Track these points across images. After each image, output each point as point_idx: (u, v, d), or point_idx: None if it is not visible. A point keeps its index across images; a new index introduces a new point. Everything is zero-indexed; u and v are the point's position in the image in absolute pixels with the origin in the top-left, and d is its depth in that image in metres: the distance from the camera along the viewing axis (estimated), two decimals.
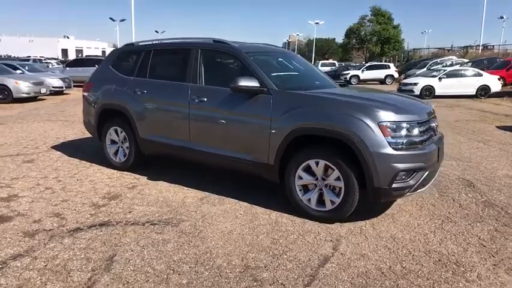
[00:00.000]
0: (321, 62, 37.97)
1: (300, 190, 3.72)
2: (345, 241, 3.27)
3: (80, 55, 62.91)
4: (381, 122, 3.31)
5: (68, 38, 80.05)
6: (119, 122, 5.10)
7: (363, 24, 50.40)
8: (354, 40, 51.54)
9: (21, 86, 12.53)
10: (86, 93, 5.58)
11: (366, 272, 2.80)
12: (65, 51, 71.27)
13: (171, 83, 4.58)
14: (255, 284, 2.62)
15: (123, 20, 56.55)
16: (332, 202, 3.56)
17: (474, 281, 2.71)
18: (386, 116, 3.33)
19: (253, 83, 3.80)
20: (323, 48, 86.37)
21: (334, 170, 3.49)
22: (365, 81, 29.02)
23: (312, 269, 2.82)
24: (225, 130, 4.12)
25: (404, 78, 23.41)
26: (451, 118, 10.91)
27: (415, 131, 3.44)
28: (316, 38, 66.08)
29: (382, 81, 28.31)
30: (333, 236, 3.36)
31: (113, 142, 5.28)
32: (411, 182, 3.39)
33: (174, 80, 4.58)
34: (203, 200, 4.15)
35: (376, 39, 48.02)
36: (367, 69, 29.08)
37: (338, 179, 3.49)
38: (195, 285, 2.59)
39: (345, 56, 57.64)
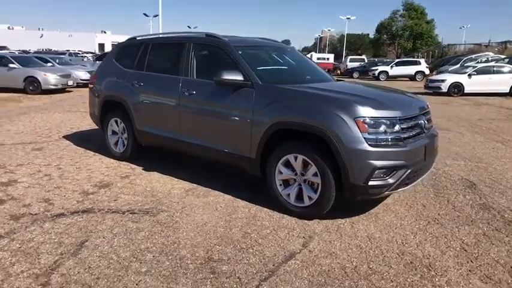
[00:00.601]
0: (349, 57, 37.16)
1: (280, 185, 3.68)
2: (317, 238, 3.20)
3: None
4: (357, 117, 3.20)
5: (105, 33, 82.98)
6: (118, 113, 5.24)
7: (395, 19, 48.78)
8: (385, 36, 50.02)
9: (49, 78, 13.11)
10: (91, 85, 5.76)
11: (328, 270, 2.73)
12: (101, 46, 73.83)
13: (165, 76, 4.64)
14: (211, 276, 2.63)
15: (156, 16, 57.71)
16: (310, 198, 3.49)
17: (441, 287, 2.59)
18: (364, 112, 3.22)
19: (236, 77, 3.78)
20: (356, 44, 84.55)
21: (311, 165, 3.43)
22: (394, 77, 28.15)
23: (274, 265, 2.78)
24: (211, 123, 4.14)
25: (437, 74, 22.49)
26: (474, 117, 10.40)
27: (396, 128, 3.30)
28: (349, 34, 64.80)
29: (412, 78, 27.36)
30: (307, 232, 3.30)
31: (114, 133, 5.43)
32: (390, 181, 3.27)
33: (169, 73, 4.64)
34: (189, 192, 4.20)
35: (408, 34, 46.35)
36: (396, 65, 28.18)
37: (315, 174, 3.42)
38: (152, 274, 2.63)
39: (377, 52, 56.07)
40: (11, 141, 6.28)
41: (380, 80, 27.78)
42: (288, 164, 3.60)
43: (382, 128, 3.24)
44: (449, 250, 3.05)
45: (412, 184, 3.55)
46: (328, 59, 35.92)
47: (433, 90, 16.91)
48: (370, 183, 3.22)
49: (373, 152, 3.18)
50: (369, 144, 3.18)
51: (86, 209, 3.67)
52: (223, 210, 3.73)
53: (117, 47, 5.61)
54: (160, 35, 5.12)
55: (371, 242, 3.17)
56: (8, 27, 76.25)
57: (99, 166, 5.08)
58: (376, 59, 38.79)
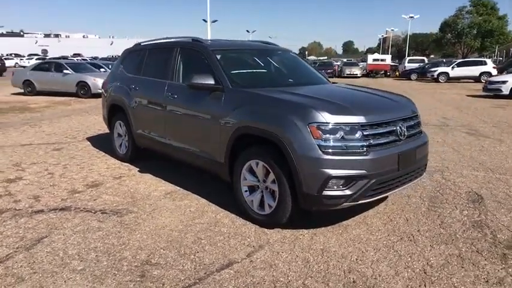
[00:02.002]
0: (407, 58, 35.19)
1: (246, 191, 3.59)
2: (267, 248, 3.07)
3: None
4: (311, 122, 3.01)
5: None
6: (121, 116, 5.49)
7: (460, 16, 45.11)
8: (449, 34, 46.49)
9: (98, 82, 14.09)
10: (103, 89, 6.11)
11: (257, 283, 2.60)
12: None
13: (155, 80, 4.77)
14: (138, 279, 2.64)
15: (214, 21, 60.08)
16: (270, 206, 3.36)
17: None
18: (318, 117, 3.02)
19: (207, 81, 3.77)
20: (423, 44, 79.99)
21: (271, 172, 3.30)
22: (456, 79, 26.12)
23: (205, 273, 2.72)
24: (188, 127, 4.18)
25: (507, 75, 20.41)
26: None
27: (357, 135, 3.05)
28: (415, 33, 61.55)
29: (476, 79, 25.14)
30: (260, 241, 3.18)
31: (119, 135, 5.70)
32: (348, 192, 3.03)
33: (159, 77, 4.75)
34: (168, 195, 4.26)
35: (475, 32, 42.61)
36: (458, 66, 26.11)
37: (273, 182, 3.29)
38: (85, 273, 2.70)
39: (443, 51, 52.41)
40: (38, 142, 6.86)
41: (440, 82, 25.96)
42: (252, 170, 3.51)
43: (339, 135, 3.02)
44: (406, 271, 2.75)
45: (380, 196, 3.26)
46: (384, 60, 34.27)
47: (493, 92, 15.39)
48: (325, 193, 3.02)
49: (328, 160, 2.97)
50: (323, 152, 2.98)
51: (64, 207, 3.89)
52: (190, 215, 3.73)
53: (124, 52, 5.88)
54: (158, 41, 5.26)
55: (322, 256, 2.96)
56: (83, 36, 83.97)
57: (101, 166, 5.36)
58: (444, 60, 36.31)
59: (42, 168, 5.22)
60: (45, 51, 67.11)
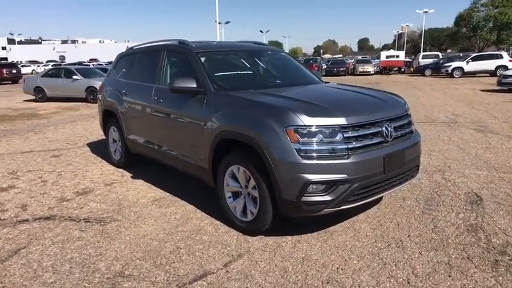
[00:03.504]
0: (421, 54, 34.45)
1: (230, 197, 3.49)
2: (246, 257, 2.96)
3: None
4: (288, 126, 2.88)
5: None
6: (114, 122, 5.46)
7: (475, 9, 43.79)
8: (464, 28, 45.19)
9: None
10: (98, 95, 6.10)
11: None
12: None
13: (143, 85, 4.71)
14: (98, 286, 2.57)
15: (227, 23, 60.16)
16: (252, 213, 3.25)
17: None
18: (296, 120, 2.88)
19: (189, 84, 3.68)
20: (439, 39, 78.34)
21: (251, 177, 3.18)
22: (472, 73, 25.39)
23: (177, 285, 2.62)
24: (173, 131, 4.11)
25: None
26: None
27: (337, 137, 2.91)
28: (431, 28, 60.24)
29: (492, 74, 24.35)
30: (240, 250, 3.07)
31: (114, 141, 5.67)
32: (328, 197, 2.89)
33: (147, 81, 4.69)
34: (155, 202, 4.19)
35: (491, 25, 41.29)
36: (473, 60, 25.34)
37: (254, 187, 3.17)
38: (57, 285, 2.65)
39: (458, 46, 51.09)
40: (39, 149, 6.92)
41: (454, 77, 25.28)
42: (234, 176, 3.40)
43: (318, 138, 2.88)
44: (388, 281, 2.59)
45: (365, 201, 3.11)
46: (398, 56, 33.57)
47: (508, 86, 14.86)
48: (304, 199, 2.88)
49: (306, 165, 2.84)
50: (301, 156, 2.85)
51: (49, 216, 3.86)
52: (174, 222, 3.65)
53: (116, 57, 5.85)
54: (148, 44, 5.19)
55: (302, 265, 2.83)
56: (100, 41, 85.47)
57: (95, 173, 5.34)
58: (461, 54, 35.39)
59: (36, 176, 5.23)
60: (62, 57, 68.62)
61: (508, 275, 2.61)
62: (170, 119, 4.11)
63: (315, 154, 2.86)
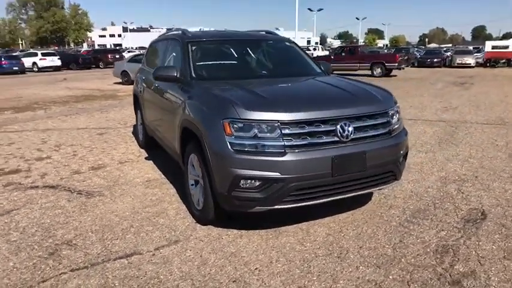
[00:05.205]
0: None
1: (192, 184, 3.56)
2: (180, 244, 3.02)
3: None
4: (225, 118, 2.82)
5: (278, 30, 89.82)
6: (138, 105, 5.90)
7: None
8: None
9: None
10: (135, 80, 6.62)
11: (136, 276, 2.60)
12: None
13: (149, 71, 4.96)
14: (45, 255, 2.87)
15: (320, 10, 58.99)
16: (201, 202, 3.28)
17: None
18: (232, 113, 2.80)
19: (169, 73, 3.80)
20: None
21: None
22: None
23: (102, 260, 2.81)
24: (162, 116, 4.32)
25: None
26: None
27: (274, 133, 2.76)
28: None
29: None
30: (181, 237, 3.14)
31: (141, 123, 6.13)
32: (259, 195, 2.78)
33: (154, 68, 4.93)
34: (146, 182, 4.46)
35: None
36: None
37: (203, 177, 3.19)
38: (15, 243, 3.04)
39: None
40: (93, 126, 7.80)
41: None
42: (193, 164, 3.46)
43: (253, 133, 2.77)
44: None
45: (308, 203, 2.90)
46: (507, 47, 29.12)
47: None
48: (234, 194, 2.83)
49: (237, 159, 2.76)
50: (234, 150, 2.78)
51: (54, 185, 4.39)
52: (146, 203, 3.86)
53: (149, 45, 6.25)
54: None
55: (226, 260, 2.79)
56: (199, 29, 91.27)
57: (119, 151, 5.85)
58: None
59: (72, 150, 5.94)
60: None
61: None
62: (161, 105, 4.31)
63: (248, 149, 2.77)
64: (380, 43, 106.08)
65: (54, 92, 14.40)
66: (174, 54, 4.40)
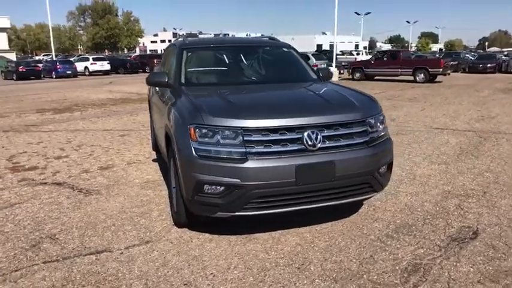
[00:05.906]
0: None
1: (174, 187, 3.65)
2: (150, 245, 3.11)
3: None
4: (191, 123, 2.89)
5: (325, 34, 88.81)
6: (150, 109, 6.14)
7: None
8: None
9: None
10: None
11: (98, 272, 2.72)
12: (319, 46, 79.51)
13: None
14: (27, 247, 3.08)
15: (368, 13, 57.54)
16: (175, 205, 3.36)
17: None
18: (197, 118, 2.86)
19: (160, 78, 3.94)
20: None
21: None
22: None
23: (75, 254, 2.97)
24: (158, 121, 4.46)
25: None
26: None
27: (236, 140, 2.77)
28: None
29: None
30: (154, 238, 3.24)
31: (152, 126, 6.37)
32: (220, 201, 2.80)
33: None
34: (144, 184, 4.63)
35: None
36: None
37: (177, 180, 3.27)
38: (6, 234, 3.30)
39: None
40: (118, 128, 8.22)
41: None
42: None
43: (215, 139, 2.80)
44: None
45: (272, 211, 2.88)
46: None
47: None
48: (197, 198, 2.87)
49: (200, 164, 2.81)
50: (198, 155, 2.83)
51: (61, 182, 4.70)
52: (136, 203, 4.01)
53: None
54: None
55: (185, 263, 2.84)
56: (246, 34, 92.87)
57: (132, 153, 6.12)
58: None
59: (90, 150, 6.30)
60: None
61: None
62: (157, 109, 4.49)
63: (209, 154, 2.81)
64: (434, 47, 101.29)
65: (96, 94, 15.34)
66: (172, 60, 4.55)
